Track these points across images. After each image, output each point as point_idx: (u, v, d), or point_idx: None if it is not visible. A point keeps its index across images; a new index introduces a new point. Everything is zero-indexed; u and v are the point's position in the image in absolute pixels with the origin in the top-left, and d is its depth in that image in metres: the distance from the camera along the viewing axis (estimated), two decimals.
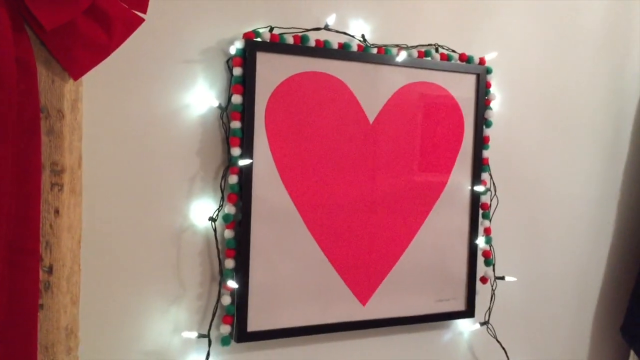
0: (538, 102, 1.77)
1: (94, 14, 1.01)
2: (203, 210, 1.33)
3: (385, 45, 1.50)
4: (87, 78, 1.12)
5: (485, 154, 1.65)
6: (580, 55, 1.83)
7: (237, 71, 1.32)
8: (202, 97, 1.32)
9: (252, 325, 1.36)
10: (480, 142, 1.63)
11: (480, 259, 1.67)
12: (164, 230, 1.31)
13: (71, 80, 1.04)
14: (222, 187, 1.33)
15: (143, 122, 1.27)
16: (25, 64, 0.97)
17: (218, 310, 1.34)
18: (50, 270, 1.03)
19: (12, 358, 0.98)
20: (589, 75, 1.86)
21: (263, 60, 1.34)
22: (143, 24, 1.13)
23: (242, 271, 1.34)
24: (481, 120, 1.63)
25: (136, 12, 1.09)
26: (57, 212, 1.03)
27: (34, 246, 1.00)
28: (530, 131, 1.77)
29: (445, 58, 1.58)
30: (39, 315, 1.02)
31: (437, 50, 1.58)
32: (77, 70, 1.02)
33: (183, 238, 1.33)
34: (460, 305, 1.64)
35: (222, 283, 1.33)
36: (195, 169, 1.33)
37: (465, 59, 1.60)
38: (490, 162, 1.67)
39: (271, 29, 1.36)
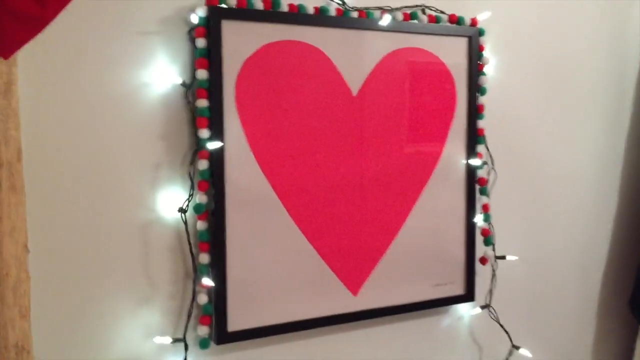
0: (536, 66, 1.64)
1: None
2: (171, 201, 1.19)
3: (366, 8, 1.36)
4: (23, 57, 0.98)
5: (480, 124, 1.51)
6: (579, 14, 1.70)
7: (201, 43, 1.17)
8: (162, 74, 1.17)
9: (233, 325, 1.23)
10: (475, 111, 1.50)
11: (479, 239, 1.54)
12: (127, 225, 1.16)
13: (1, 59, 0.88)
14: (191, 174, 1.19)
15: (95, 105, 1.12)
16: None
17: (194, 310, 1.21)
18: None
19: None
20: (589, 36, 1.73)
21: (230, 30, 1.19)
22: None
23: (218, 266, 1.21)
24: (474, 88, 1.49)
25: None
26: None
27: None
28: (528, 98, 1.63)
29: (434, 20, 1.43)
30: None
31: (424, 12, 1.43)
32: (7, 47, 0.87)
33: (150, 233, 1.19)
34: (459, 289, 1.52)
35: (196, 280, 1.20)
36: (160, 155, 1.19)
37: (455, 20, 1.46)
38: (486, 133, 1.53)
39: None
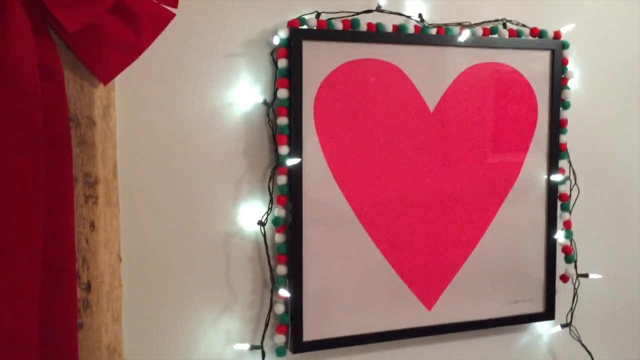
0: (622, 79, 1.58)
1: (120, 12, 0.93)
2: (251, 214, 1.25)
3: (445, 25, 1.36)
4: (120, 81, 1.06)
5: (563, 138, 1.48)
6: None
7: (282, 63, 1.22)
8: (246, 94, 1.23)
9: (308, 335, 1.28)
10: (557, 125, 1.46)
11: (559, 256, 1.50)
12: (210, 237, 1.23)
13: (101, 85, 0.97)
14: (271, 189, 1.24)
15: (183, 123, 1.19)
16: (51, 71, 0.91)
17: (271, 319, 1.26)
18: (88, 288, 0.97)
19: None
20: None
21: (310, 50, 1.23)
22: (179, 19, 1.05)
23: (295, 278, 1.25)
24: (557, 102, 1.46)
25: (166, 7, 1.00)
26: (92, 226, 0.97)
27: (70, 263, 0.94)
28: (613, 112, 1.58)
29: (515, 34, 1.41)
30: (79, 335, 0.97)
31: (505, 26, 1.42)
32: (106, 73, 0.95)
33: (231, 244, 1.25)
34: (538, 307, 1.49)
35: (273, 291, 1.25)
36: (242, 170, 1.25)
37: (537, 33, 1.44)
38: (569, 148, 1.50)
39: (318, 15, 1.25)
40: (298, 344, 1.27)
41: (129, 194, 1.12)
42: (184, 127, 1.19)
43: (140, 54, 0.97)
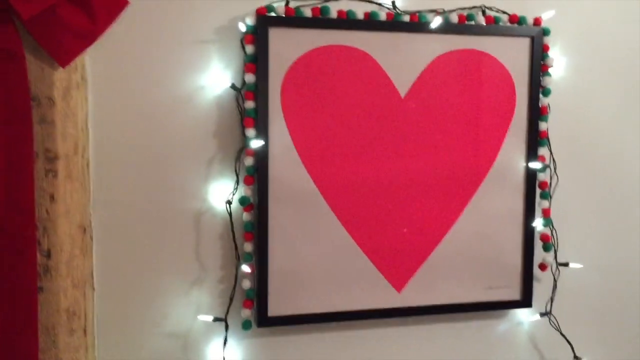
0: (613, 67, 1.55)
1: (74, 0, 1.00)
2: (222, 193, 1.31)
3: (419, 12, 1.38)
4: (94, 65, 1.16)
5: (544, 126, 1.47)
6: None
7: (250, 49, 1.27)
8: (217, 78, 1.29)
9: (273, 310, 1.33)
10: (536, 112, 1.45)
11: (538, 244, 1.50)
12: (182, 214, 1.30)
13: (60, 68, 1.04)
14: (237, 170, 1.30)
15: (156, 106, 1.27)
16: (12, 54, 0.99)
17: (239, 294, 1.32)
18: (48, 255, 1.06)
19: (13, 337, 1.03)
20: None
21: (276, 36, 1.28)
22: (152, 6, 1.13)
23: (260, 255, 1.31)
24: (537, 89, 1.45)
25: None
26: (52, 198, 1.06)
27: (30, 231, 1.03)
28: (602, 100, 1.55)
29: (492, 21, 1.41)
30: (39, 298, 1.05)
31: (484, 13, 1.42)
32: (63, 57, 1.03)
33: (202, 221, 1.32)
34: (515, 294, 1.49)
35: (239, 267, 1.31)
36: (213, 151, 1.31)
37: (516, 20, 1.43)
38: (551, 136, 1.48)
39: (287, 2, 1.30)
40: (263, 319, 1.32)
41: (103, 171, 1.22)
42: (157, 109, 1.27)
43: (95, 39, 1.04)
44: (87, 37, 1.03)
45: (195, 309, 1.33)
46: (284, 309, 1.34)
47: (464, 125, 1.42)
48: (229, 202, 1.30)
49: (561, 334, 1.53)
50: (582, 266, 1.53)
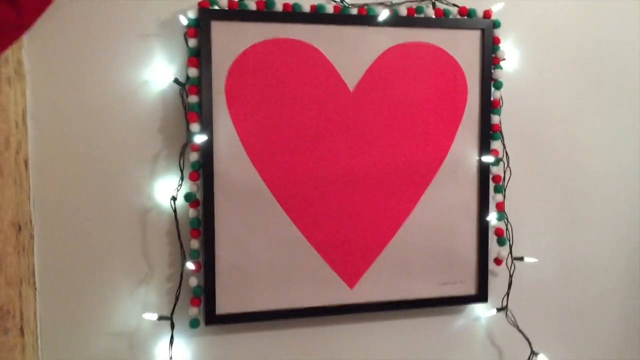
0: (568, 59, 1.54)
1: None
2: (168, 190, 1.29)
3: (367, 5, 1.37)
4: (36, 61, 1.15)
5: (496, 119, 1.46)
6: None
7: (192, 43, 1.26)
8: (161, 73, 1.27)
9: (222, 308, 1.31)
10: (488, 106, 1.45)
11: (493, 239, 1.49)
12: (127, 211, 1.28)
13: None
14: (182, 166, 1.28)
15: (99, 101, 1.25)
16: None
17: (187, 293, 1.30)
18: None
19: None
20: (632, 25, 1.59)
21: (219, 30, 1.26)
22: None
23: (207, 252, 1.29)
24: (488, 82, 1.44)
25: None
26: None
27: None
28: (557, 93, 1.54)
29: (442, 14, 1.40)
30: None
31: (434, 6, 1.41)
32: None
33: (148, 218, 1.30)
34: (470, 289, 1.48)
35: (184, 264, 1.29)
36: (158, 147, 1.29)
37: (465, 12, 1.42)
38: (504, 129, 1.48)
39: None
40: (211, 317, 1.30)
41: (44, 169, 1.20)
42: (100, 104, 1.25)
43: (23, 32, 1.02)
44: (15, 30, 1.01)
45: (141, 307, 1.30)
46: (233, 306, 1.32)
47: (415, 119, 1.41)
48: (174, 199, 1.28)
49: (518, 329, 1.52)
50: (537, 260, 1.52)
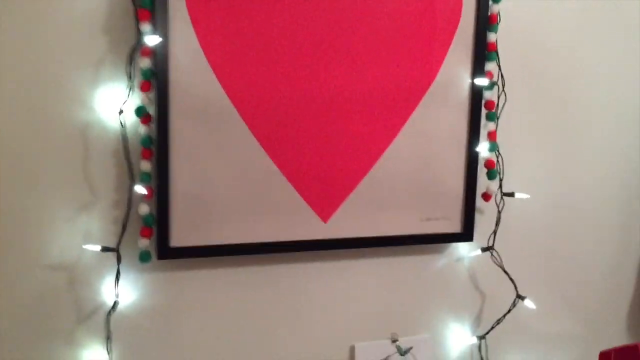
0: None
1: None
2: (114, 101, 1.10)
3: None
4: None
5: (492, 37, 1.29)
6: None
7: None
8: None
9: (177, 240, 1.15)
10: (484, 21, 1.28)
11: (482, 171, 1.35)
12: (66, 125, 1.09)
13: None
14: (131, 73, 1.09)
15: None
16: None
17: (138, 221, 1.13)
18: None
19: None
20: None
21: None
22: None
23: (160, 176, 1.11)
24: None
25: None
26: None
27: None
28: (559, 9, 1.38)
29: None
30: None
31: None
32: None
33: (91, 134, 1.11)
34: (455, 227, 1.34)
35: (133, 189, 1.11)
36: (102, 50, 1.09)
37: None
38: (501, 49, 1.32)
39: None
40: (164, 250, 1.14)
41: None
42: None
43: None
44: None
45: (82, 237, 1.12)
46: (190, 239, 1.15)
47: (401, 35, 1.23)
48: (121, 112, 1.09)
49: (504, 270, 1.40)
50: (529, 196, 1.39)
